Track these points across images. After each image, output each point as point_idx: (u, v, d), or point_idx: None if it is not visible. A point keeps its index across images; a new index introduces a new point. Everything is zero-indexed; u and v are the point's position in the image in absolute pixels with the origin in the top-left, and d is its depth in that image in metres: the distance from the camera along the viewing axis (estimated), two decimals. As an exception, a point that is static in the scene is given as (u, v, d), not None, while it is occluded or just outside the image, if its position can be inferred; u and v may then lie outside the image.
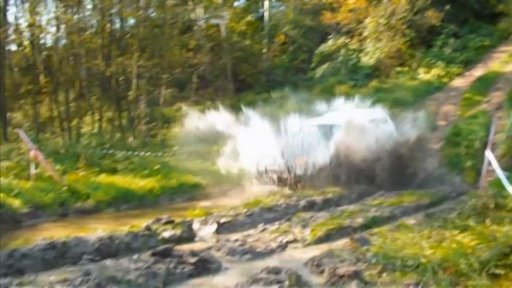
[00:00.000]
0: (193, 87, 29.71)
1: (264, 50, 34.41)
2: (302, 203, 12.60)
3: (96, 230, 9.58)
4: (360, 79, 29.60)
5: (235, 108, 25.56)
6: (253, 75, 33.40)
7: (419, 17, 30.24)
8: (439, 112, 24.10)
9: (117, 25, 29.69)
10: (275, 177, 15.52)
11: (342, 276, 6.31)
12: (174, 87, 28.30)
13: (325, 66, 31.81)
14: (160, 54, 26.98)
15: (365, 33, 31.51)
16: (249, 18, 36.87)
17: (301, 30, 35.01)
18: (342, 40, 32.55)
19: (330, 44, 32.81)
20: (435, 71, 29.07)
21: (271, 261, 7.72)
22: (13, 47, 30.30)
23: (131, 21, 29.59)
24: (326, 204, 12.70)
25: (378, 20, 30.51)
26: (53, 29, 29.72)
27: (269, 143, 15.27)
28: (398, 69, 30.23)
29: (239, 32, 35.34)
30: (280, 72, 33.53)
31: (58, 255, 7.78)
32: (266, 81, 32.58)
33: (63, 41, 29.19)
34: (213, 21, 33.37)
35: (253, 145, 15.22)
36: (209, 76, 30.58)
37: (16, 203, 12.75)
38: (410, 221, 10.22)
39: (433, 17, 29.75)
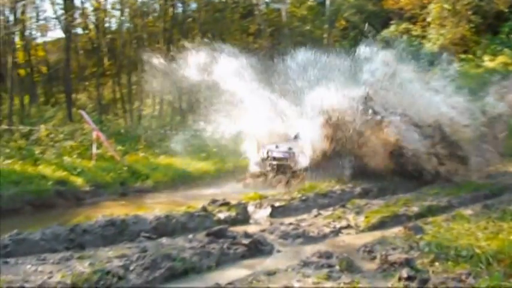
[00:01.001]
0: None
1: (325, 35, 34.13)
2: (357, 190, 12.58)
3: (154, 210, 9.87)
4: (422, 66, 28.99)
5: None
6: (314, 61, 33.24)
7: (486, 2, 29.31)
8: (504, 101, 23.35)
9: (180, 9, 30.09)
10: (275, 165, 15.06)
11: (393, 263, 6.29)
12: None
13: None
14: (221, 38, 27.13)
15: (428, 19, 30.81)
16: (310, 2, 36.58)
17: (362, 15, 34.53)
18: (404, 26, 31.97)
19: (392, 30, 32.27)
20: (501, 59, 28.18)
21: (323, 246, 7.77)
22: (79, 31, 31.15)
23: (193, 5, 29.95)
24: (382, 192, 12.63)
25: (443, 5, 29.76)
26: (117, 13, 30.44)
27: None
28: (462, 56, 29.43)
29: (300, 16, 35.13)
30: (340, 58, 33.21)
31: (117, 232, 8.08)
32: (326, 67, 32.37)
33: (127, 25, 29.82)
34: (274, 5, 33.33)
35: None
36: (270, 61, 30.59)
37: (79, 181, 13.22)
38: (467, 211, 10.03)
39: (500, 2, 28.78)
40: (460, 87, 16.33)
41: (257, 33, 31.45)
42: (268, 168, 15.00)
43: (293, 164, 14.60)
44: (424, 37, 31.00)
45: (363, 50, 16.02)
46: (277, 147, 15.07)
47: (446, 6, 29.63)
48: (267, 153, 15.13)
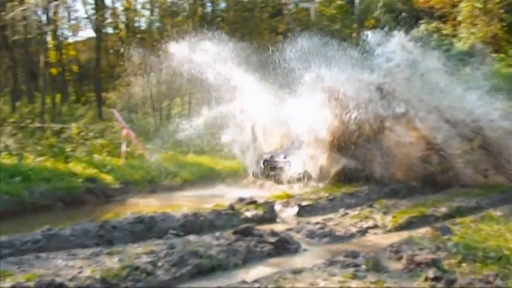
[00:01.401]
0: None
1: (354, 35, 33.96)
2: (385, 190, 12.52)
3: (182, 207, 9.96)
4: (452, 66, 28.66)
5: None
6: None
7: (519, 0, 28.90)
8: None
9: (209, 9, 30.27)
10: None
11: (419, 264, 6.26)
12: (262, 71, 28.46)
13: (415, 52, 31.01)
14: (250, 37, 27.23)
15: (459, 18, 30.44)
16: (339, 1, 36.46)
17: (392, 14, 34.27)
18: (434, 25, 31.62)
19: (422, 29, 31.93)
20: (534, 58, 27.75)
21: (350, 246, 7.78)
22: (109, 30, 31.58)
23: (222, 4, 30.10)
24: (410, 193, 12.55)
25: (474, 3, 29.39)
26: (147, 13, 30.78)
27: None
28: (494, 55, 29.02)
29: (329, 16, 35.06)
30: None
31: (145, 229, 8.20)
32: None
33: (156, 24, 30.11)
34: (303, 5, 33.29)
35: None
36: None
37: (108, 178, 13.43)
38: (497, 212, 9.90)
39: (534, -1, 28.39)
40: (495, 86, 15.30)
41: (286, 33, 31.42)
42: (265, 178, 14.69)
43: (288, 173, 14.13)
44: (454, 36, 30.64)
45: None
46: (272, 157, 14.85)
47: (477, 4, 29.26)
48: (264, 163, 14.93)
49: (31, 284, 5.35)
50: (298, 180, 13.78)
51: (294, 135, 15.07)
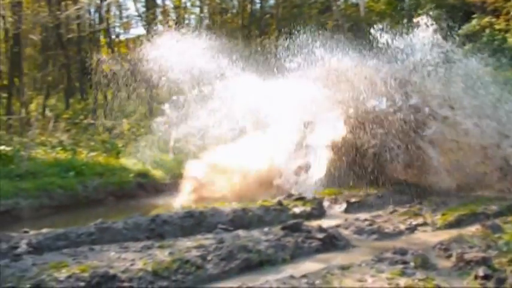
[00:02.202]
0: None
1: (404, 30, 33.49)
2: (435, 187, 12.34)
3: (231, 202, 10.09)
4: (505, 61, 27.93)
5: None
6: (392, 56, 32.70)
7: None
8: None
9: (257, 6, 30.40)
10: None
11: (469, 262, 6.19)
12: (310, 67, 28.35)
13: (467, 47, 30.36)
14: (299, 34, 27.19)
15: (513, 12, 29.66)
16: (389, -3, 36.02)
17: (443, 9, 33.63)
18: (486, 20, 30.86)
19: (473, 24, 31.24)
20: None
21: (398, 243, 7.72)
22: (160, 28, 32.05)
23: (271, 1, 30.16)
24: (460, 190, 12.34)
25: (529, -3, 28.58)
26: (197, 10, 31.14)
27: None
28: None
29: (378, 11, 34.64)
30: (419, 53, 32.49)
31: (195, 223, 8.35)
32: (407, 61, 31.73)
33: (206, 22, 30.43)
34: (352, 0, 33.03)
35: None
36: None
37: (158, 173, 13.68)
38: (549, 211, 9.67)
39: None
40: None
41: (335, 29, 31.26)
42: None
43: None
44: (507, 31, 29.84)
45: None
46: None
47: (532, -2, 28.46)
48: None
49: (86, 275, 5.54)
50: None
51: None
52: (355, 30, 31.40)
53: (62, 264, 5.86)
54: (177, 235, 7.77)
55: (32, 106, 25.51)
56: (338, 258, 7.06)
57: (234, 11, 32.18)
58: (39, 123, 18.74)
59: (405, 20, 33.48)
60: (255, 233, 7.64)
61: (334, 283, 5.63)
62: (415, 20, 16.01)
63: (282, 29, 27.59)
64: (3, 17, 27.47)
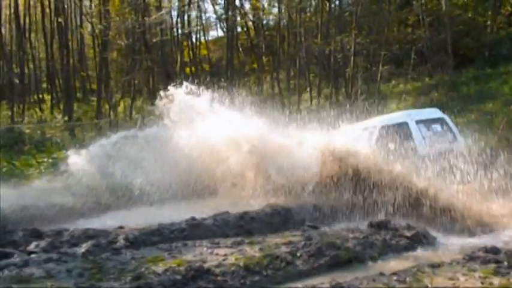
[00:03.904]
0: (411, 63, 29.09)
1: (488, 23, 32.36)
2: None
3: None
4: None
5: (455, 85, 24.66)
6: (475, 50, 31.63)
7: None
8: None
9: (336, 3, 30.25)
10: None
11: None
12: (391, 64, 27.95)
13: None
14: (378, 30, 26.89)
15: None
16: (473, -11, 34.87)
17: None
18: None
19: None
20: None
21: (490, 241, 7.55)
22: (238, 29, 32.56)
23: (349, -1, 29.97)
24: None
25: None
26: (275, 10, 31.34)
27: None
28: None
29: (461, 4, 33.62)
30: (506, 46, 31.25)
31: (282, 220, 8.52)
32: (489, 55, 30.65)
33: (284, 21, 30.57)
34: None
35: None
36: (428, 52, 29.69)
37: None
38: None
39: None
40: None
41: (415, 24, 30.62)
42: None
43: None
44: None
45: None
46: None
47: None
48: None
49: (181, 268, 5.81)
50: None
51: None
52: (437, 24, 30.66)
53: (159, 259, 6.17)
54: (265, 232, 7.97)
55: (120, 108, 26.48)
56: (427, 256, 7.00)
57: (312, 9, 32.18)
58: (127, 124, 19.43)
59: (490, 12, 32.55)
60: (342, 231, 7.70)
61: (425, 281, 5.61)
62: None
63: (362, 26, 27.45)
64: (93, 25, 28.76)
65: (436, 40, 29.56)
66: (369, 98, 25.47)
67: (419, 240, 7.53)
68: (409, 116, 12.92)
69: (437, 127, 12.66)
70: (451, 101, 23.75)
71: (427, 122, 12.63)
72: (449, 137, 12.45)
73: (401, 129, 12.22)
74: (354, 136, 12.35)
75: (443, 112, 13.82)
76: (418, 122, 12.48)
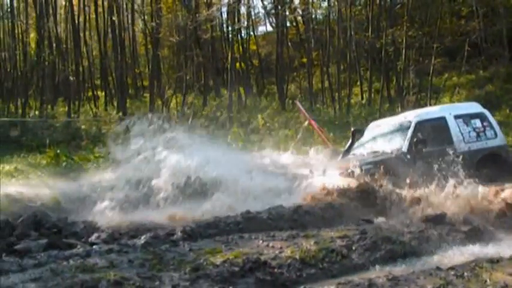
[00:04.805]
0: (464, 55, 28.49)
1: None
2: None
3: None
4: None
5: (511, 77, 24.04)
6: (532, 41, 30.76)
7: None
8: None
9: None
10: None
11: None
12: (443, 57, 27.41)
13: None
14: (430, 23, 26.44)
15: None
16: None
17: None
18: None
19: None
20: None
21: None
22: (287, 23, 32.54)
23: (401, -9, 29.57)
24: None
25: None
26: (324, 4, 31.21)
27: None
28: None
29: (518, -7, 32.72)
30: None
31: (335, 214, 8.56)
32: (548, 47, 29.74)
33: (333, 15, 30.41)
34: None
35: None
36: (482, 44, 29.01)
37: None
38: None
39: None
40: None
41: (469, 15, 29.95)
42: None
43: None
44: None
45: None
46: None
47: None
48: None
49: (239, 260, 5.92)
50: None
51: None
52: (492, 15, 29.89)
53: (216, 250, 6.31)
54: (319, 225, 8.00)
55: (172, 104, 26.88)
56: (484, 251, 6.91)
57: (363, 2, 31.90)
58: (179, 120, 19.74)
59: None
60: (397, 225, 7.68)
61: (483, 276, 5.53)
62: None
63: (413, 19, 27.04)
64: (145, 23, 29.28)
65: (490, 31, 28.86)
66: (421, 91, 25.11)
67: (477, 235, 7.45)
68: (447, 110, 12.50)
69: (476, 122, 12.33)
70: (506, 94, 23.23)
71: (466, 117, 12.04)
72: (490, 133, 12.10)
73: (439, 125, 11.83)
74: (386, 133, 12.19)
75: (492, 107, 13.17)
76: (456, 117, 11.96)
